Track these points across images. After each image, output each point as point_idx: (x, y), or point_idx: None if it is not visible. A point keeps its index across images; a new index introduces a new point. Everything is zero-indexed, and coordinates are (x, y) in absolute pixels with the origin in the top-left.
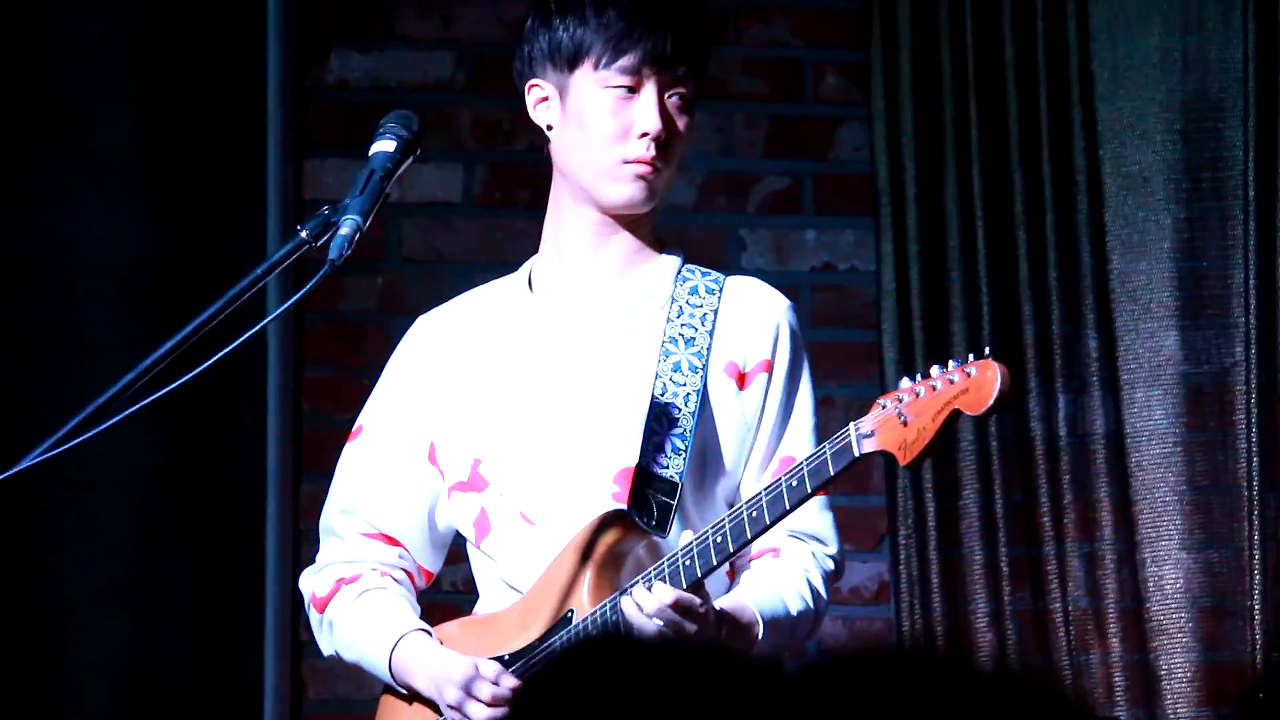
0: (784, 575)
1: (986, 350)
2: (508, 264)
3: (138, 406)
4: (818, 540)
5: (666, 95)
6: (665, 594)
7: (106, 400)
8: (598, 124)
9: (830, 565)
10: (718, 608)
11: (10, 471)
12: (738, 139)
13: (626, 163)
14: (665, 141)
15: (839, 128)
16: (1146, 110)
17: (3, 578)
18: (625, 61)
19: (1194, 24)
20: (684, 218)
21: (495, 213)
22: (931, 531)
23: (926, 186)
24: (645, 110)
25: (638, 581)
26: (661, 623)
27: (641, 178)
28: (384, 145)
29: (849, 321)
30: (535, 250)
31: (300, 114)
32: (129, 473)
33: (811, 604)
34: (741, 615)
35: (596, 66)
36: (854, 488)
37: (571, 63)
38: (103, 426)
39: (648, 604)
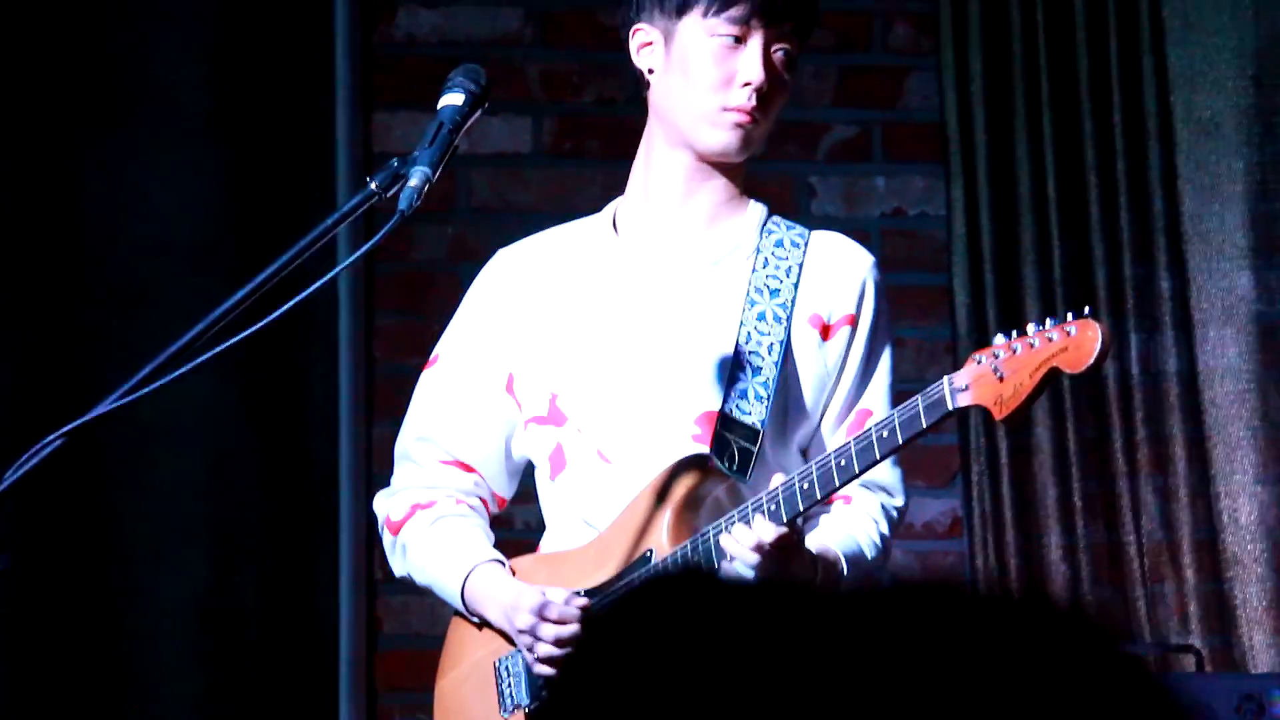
0: (859, 522)
1: (1086, 309)
2: (576, 214)
3: (210, 354)
4: (886, 491)
5: (772, 49)
6: (767, 530)
7: (180, 348)
8: (701, 70)
9: (895, 516)
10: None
11: (86, 417)
12: (807, 89)
13: (726, 110)
14: (766, 94)
15: (908, 76)
16: (1218, 56)
17: (85, 522)
18: (735, 11)
19: None
20: (754, 165)
21: (563, 163)
22: (1004, 467)
23: (996, 133)
24: (750, 60)
25: (721, 524)
26: (760, 557)
27: (740, 126)
28: (452, 99)
29: (919, 266)
30: (602, 200)
31: (369, 69)
32: (204, 419)
33: (881, 548)
34: (827, 555)
35: (705, 14)
36: None
37: (680, 9)
38: (176, 374)
39: (747, 539)
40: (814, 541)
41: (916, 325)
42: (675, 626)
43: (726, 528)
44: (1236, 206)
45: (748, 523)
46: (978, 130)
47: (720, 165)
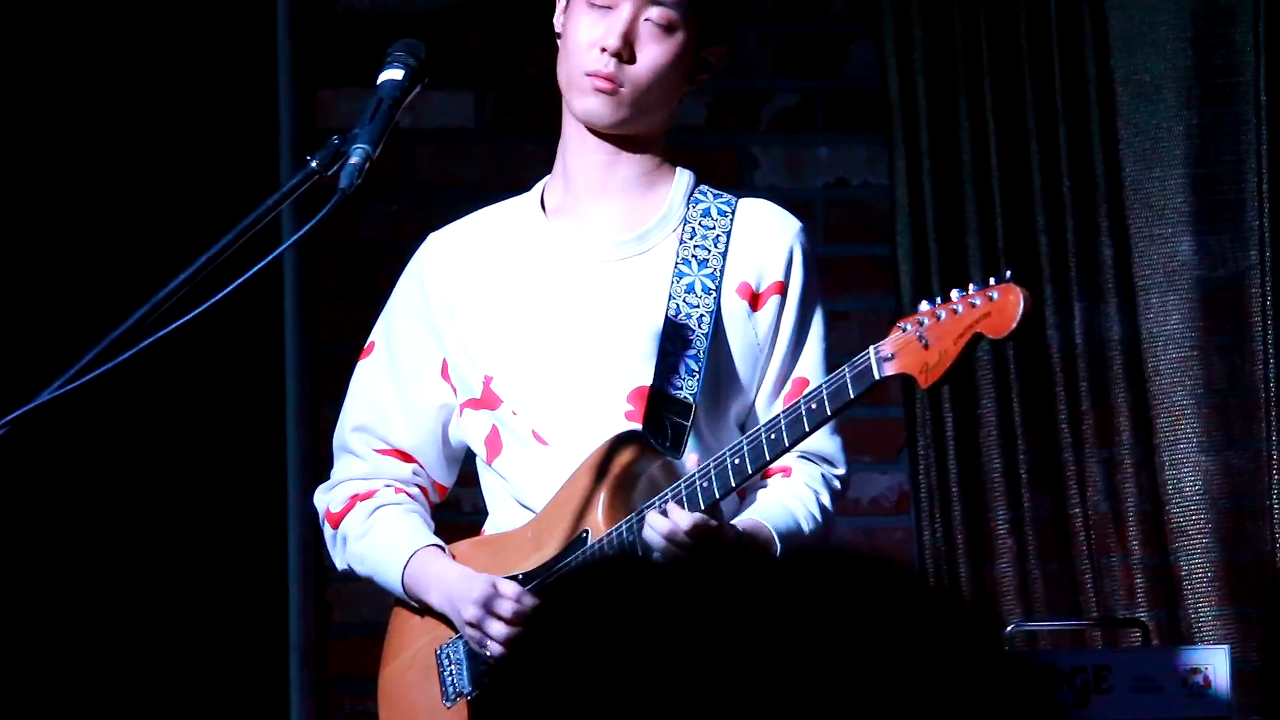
0: (796, 494)
1: (1008, 274)
2: (522, 188)
3: (153, 338)
4: (827, 461)
5: (642, 17)
6: (681, 518)
7: (123, 332)
8: (572, 35)
9: (838, 485)
10: (740, 527)
11: (28, 405)
12: (748, 58)
13: (587, 74)
14: (631, 62)
15: (850, 45)
16: (1156, 18)
17: (25, 508)
18: None
19: None
20: (696, 136)
21: (507, 137)
22: (950, 441)
23: (938, 101)
24: (610, 27)
25: (654, 503)
26: (676, 546)
27: (600, 91)
28: (392, 74)
29: (863, 236)
30: (546, 173)
31: (311, 44)
32: (147, 404)
33: (821, 521)
34: (759, 534)
35: None
36: (872, 400)
37: None
38: (119, 359)
39: (662, 527)
40: (749, 518)
41: (861, 297)
42: (606, 616)
43: (656, 508)
44: (1177, 170)
45: (664, 511)
46: (920, 98)
47: (632, 138)
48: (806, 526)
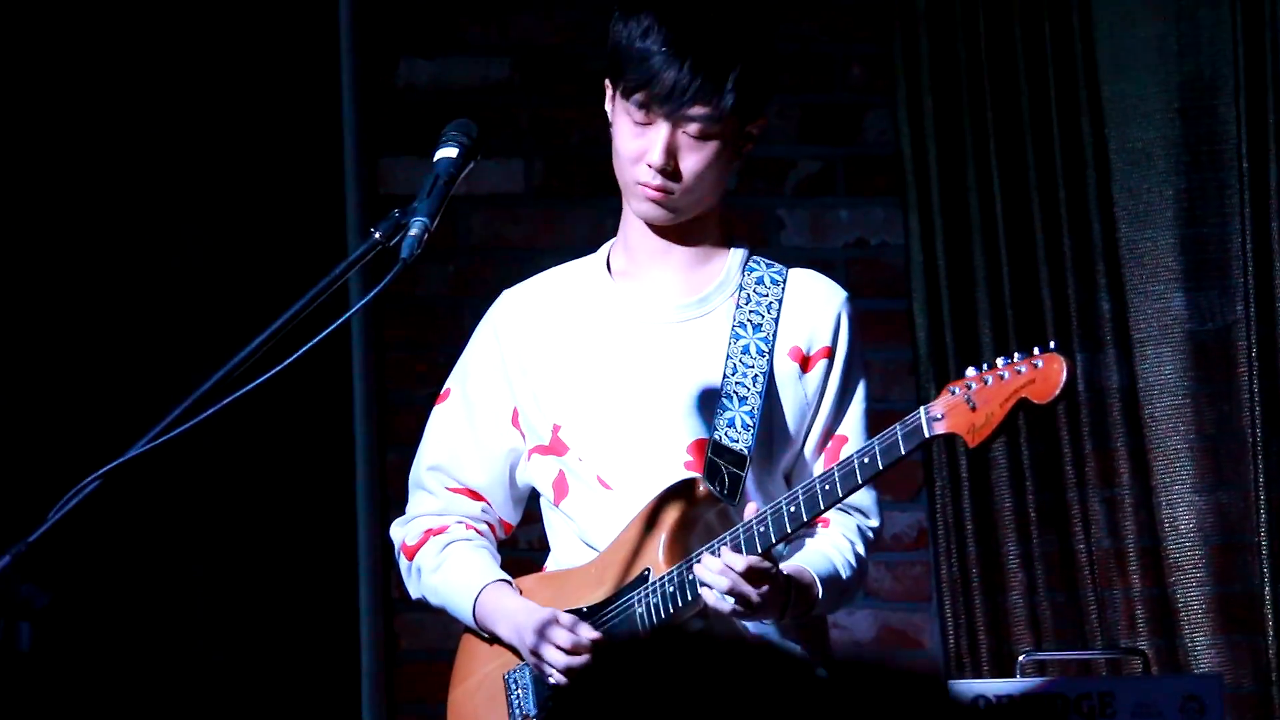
0: (835, 544)
1: (1051, 343)
2: (567, 248)
3: (233, 398)
4: (862, 513)
5: (681, 129)
6: (735, 559)
7: (205, 391)
8: (618, 143)
9: (871, 535)
10: (786, 573)
11: (120, 460)
12: (773, 128)
13: (638, 183)
14: (677, 173)
15: (866, 114)
16: (1147, 91)
17: (112, 551)
18: (639, 97)
19: (1186, 11)
20: (726, 201)
21: (554, 202)
22: (964, 482)
23: (948, 166)
24: (652, 143)
25: (714, 545)
26: (729, 582)
27: (652, 200)
28: (447, 152)
29: (881, 292)
30: (591, 234)
31: (374, 117)
32: (228, 453)
33: (857, 568)
34: (803, 578)
35: (622, 93)
36: None
37: (613, 78)
38: (202, 416)
39: (717, 566)
40: (792, 565)
41: (880, 348)
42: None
43: (714, 550)
44: (1168, 231)
45: (716, 553)
46: (931, 163)
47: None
48: (844, 573)
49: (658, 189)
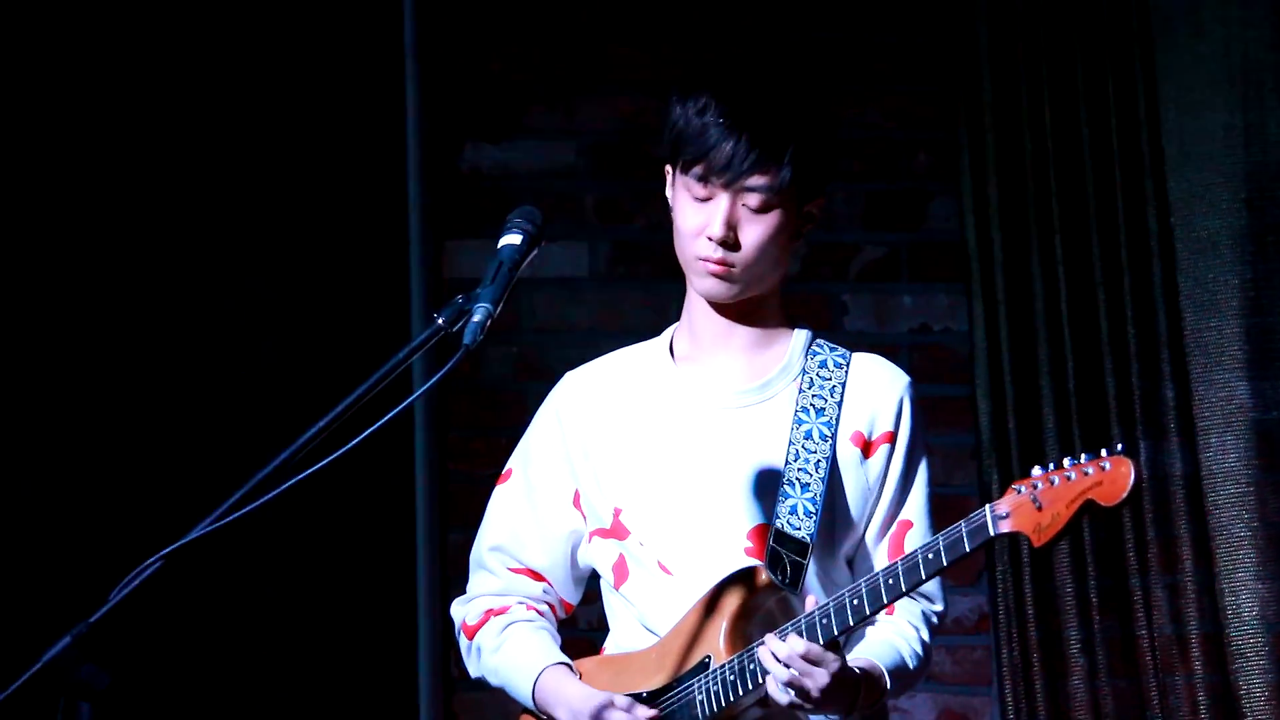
0: (901, 633)
1: (1119, 446)
2: (630, 332)
3: (296, 479)
4: (927, 599)
5: (740, 203)
6: (798, 644)
7: (270, 471)
8: (680, 219)
9: (936, 621)
10: (856, 667)
11: (183, 540)
12: (838, 214)
13: (699, 259)
14: (737, 245)
15: (931, 201)
16: (1213, 179)
17: (175, 633)
18: (697, 170)
19: (1253, 101)
20: (791, 285)
21: (617, 286)
22: (1025, 566)
23: (1012, 253)
24: (711, 216)
25: (776, 635)
26: (794, 670)
27: (714, 275)
28: (511, 239)
29: (944, 378)
30: (654, 319)
31: (439, 201)
32: (291, 531)
33: (923, 655)
34: (873, 671)
35: (680, 169)
36: None
37: (672, 157)
38: (267, 498)
39: (781, 651)
40: (861, 658)
41: (942, 434)
42: None
43: (779, 637)
44: (1233, 320)
45: (783, 638)
46: (996, 250)
47: (750, 298)
48: (911, 663)
49: (719, 262)
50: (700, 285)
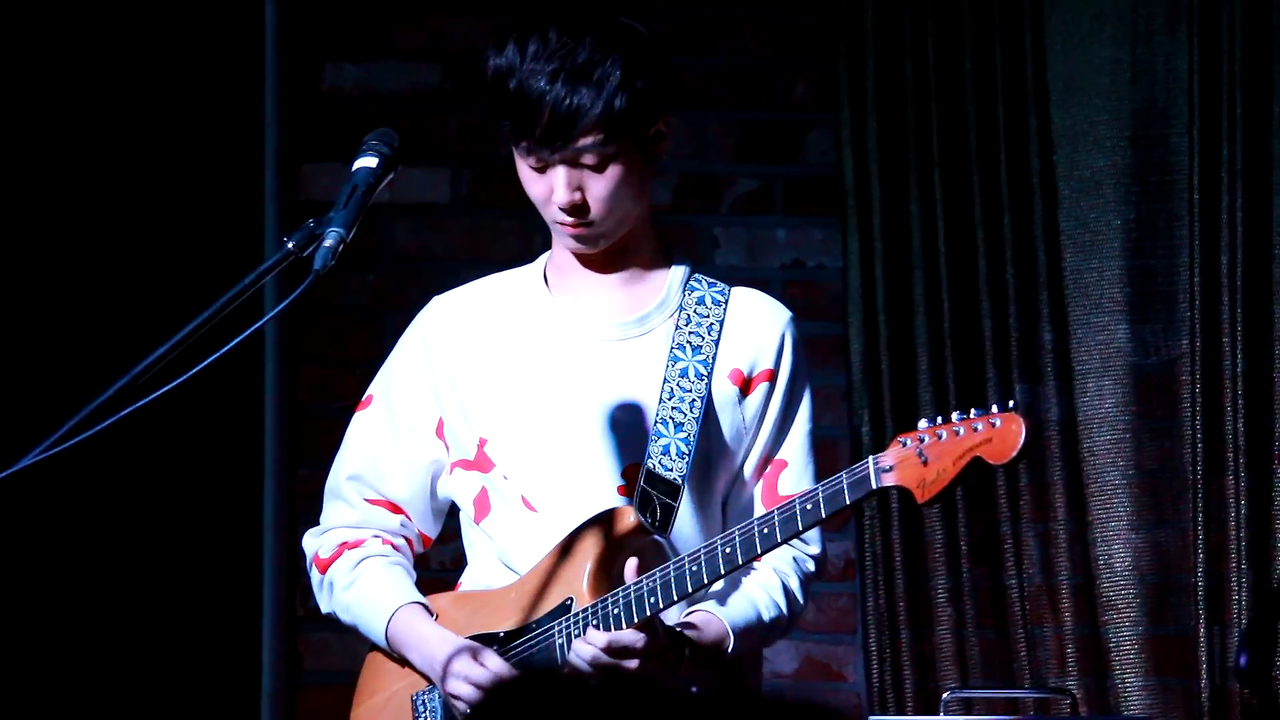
0: (763, 581)
1: (1010, 403)
2: (493, 261)
3: (139, 404)
4: (802, 541)
5: (578, 164)
6: (598, 638)
7: (109, 396)
8: (526, 187)
9: (811, 567)
10: (679, 627)
11: (11, 469)
12: (712, 144)
13: (556, 222)
14: (587, 205)
15: (807, 133)
16: (1098, 117)
17: (23, 559)
18: (525, 144)
19: (1142, 36)
20: (661, 217)
21: (480, 213)
22: (894, 513)
23: (890, 189)
24: (554, 183)
25: (641, 583)
26: (594, 671)
27: (574, 236)
28: (366, 161)
29: (817, 315)
30: (519, 248)
31: (296, 121)
32: (129, 459)
33: (785, 609)
34: (708, 629)
35: (511, 142)
36: (821, 474)
37: (495, 124)
38: (104, 424)
39: (580, 650)
40: (703, 614)
41: (814, 372)
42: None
43: (648, 586)
44: (1114, 262)
45: (660, 591)
46: (873, 185)
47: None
48: (768, 615)
49: (574, 225)
50: (565, 244)
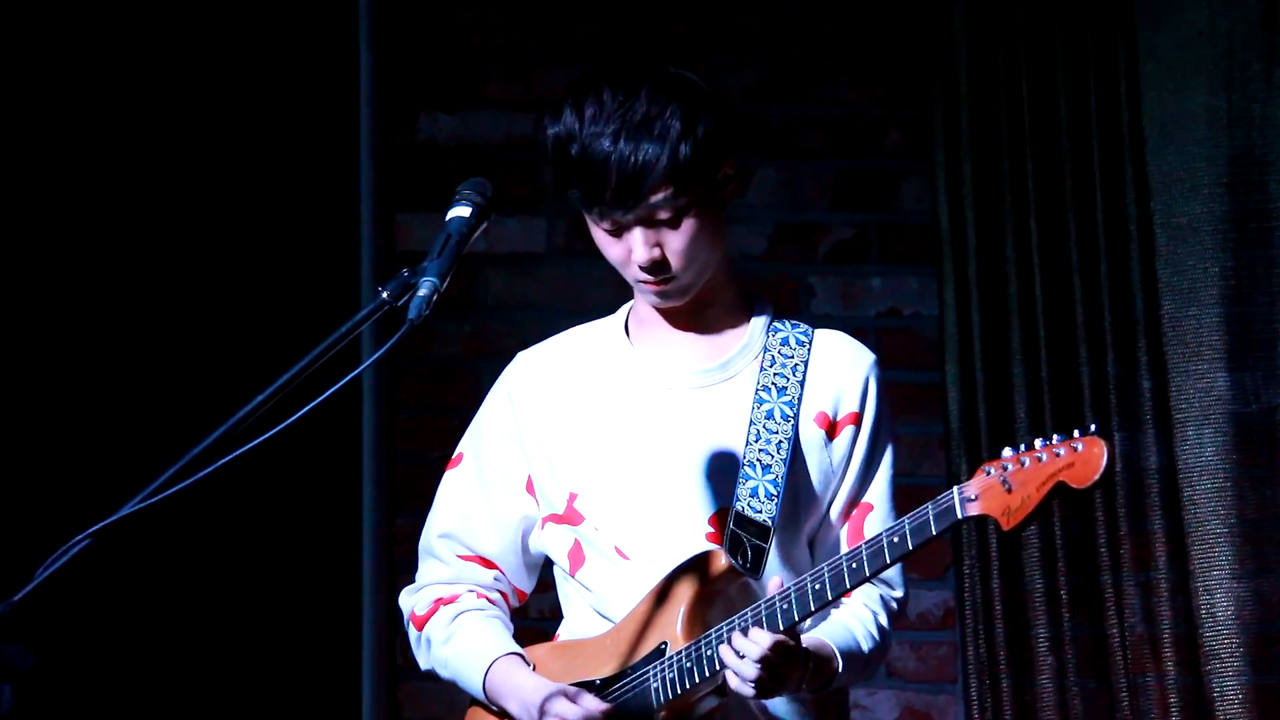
0: (857, 615)
1: (1092, 426)
2: (587, 310)
3: (238, 452)
4: (886, 584)
5: (653, 220)
6: (764, 638)
7: (206, 447)
8: (605, 251)
9: (895, 607)
10: (804, 646)
11: (113, 518)
12: (806, 193)
13: (638, 281)
14: (666, 263)
15: (902, 181)
16: (1195, 164)
17: (109, 615)
18: (598, 209)
19: (1238, 83)
20: (755, 266)
21: (575, 262)
22: (994, 560)
23: (986, 236)
24: (630, 245)
25: (734, 622)
26: (759, 664)
27: (657, 293)
28: (460, 211)
29: (914, 363)
30: (613, 297)
31: (392, 172)
32: (228, 511)
33: (879, 640)
34: (822, 651)
35: (583, 208)
36: None
37: (564, 193)
38: (202, 474)
39: (746, 648)
40: (813, 638)
41: (910, 421)
42: None
43: (738, 628)
44: (1212, 309)
45: (745, 632)
46: (969, 233)
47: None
48: (866, 646)
49: (658, 282)
50: (650, 301)
